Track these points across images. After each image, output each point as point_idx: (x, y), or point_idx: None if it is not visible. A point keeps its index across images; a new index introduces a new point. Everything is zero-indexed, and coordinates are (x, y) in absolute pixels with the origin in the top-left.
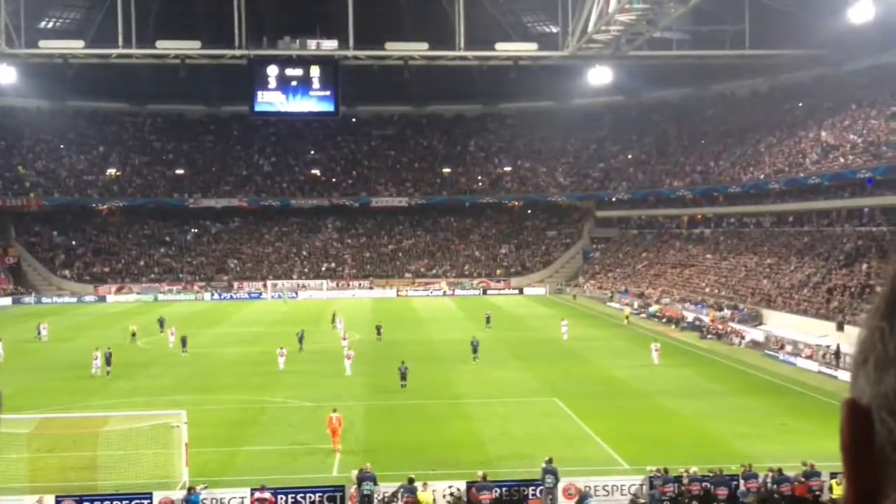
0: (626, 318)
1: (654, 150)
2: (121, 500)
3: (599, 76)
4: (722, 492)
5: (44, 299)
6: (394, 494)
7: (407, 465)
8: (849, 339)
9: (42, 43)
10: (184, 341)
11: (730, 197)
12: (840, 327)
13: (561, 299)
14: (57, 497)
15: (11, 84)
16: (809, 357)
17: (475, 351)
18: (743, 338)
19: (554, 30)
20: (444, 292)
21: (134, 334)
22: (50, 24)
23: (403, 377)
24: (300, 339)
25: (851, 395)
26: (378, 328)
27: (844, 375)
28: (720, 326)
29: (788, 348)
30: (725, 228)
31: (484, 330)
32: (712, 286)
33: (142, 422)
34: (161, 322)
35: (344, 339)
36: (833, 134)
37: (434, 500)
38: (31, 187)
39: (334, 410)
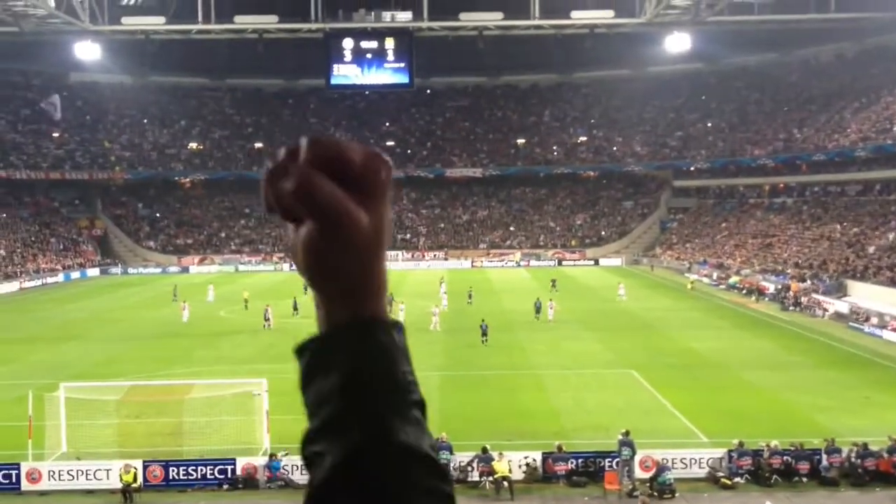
0: (691, 284)
1: (734, 118)
2: (205, 465)
3: (678, 43)
4: (803, 466)
5: (130, 270)
6: (469, 464)
7: (482, 435)
8: None
9: (124, 19)
10: (265, 315)
11: (813, 165)
12: None
13: (638, 270)
14: (144, 462)
15: (96, 60)
16: None
17: (538, 311)
18: (826, 310)
19: None
20: (519, 263)
21: (246, 301)
22: (132, 2)
23: (484, 333)
24: (389, 302)
25: None
26: (469, 294)
27: None
28: (803, 298)
29: (874, 320)
30: (808, 198)
31: (550, 293)
32: (794, 257)
33: (225, 389)
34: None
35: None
36: None
37: (510, 469)
38: (116, 161)
39: None
